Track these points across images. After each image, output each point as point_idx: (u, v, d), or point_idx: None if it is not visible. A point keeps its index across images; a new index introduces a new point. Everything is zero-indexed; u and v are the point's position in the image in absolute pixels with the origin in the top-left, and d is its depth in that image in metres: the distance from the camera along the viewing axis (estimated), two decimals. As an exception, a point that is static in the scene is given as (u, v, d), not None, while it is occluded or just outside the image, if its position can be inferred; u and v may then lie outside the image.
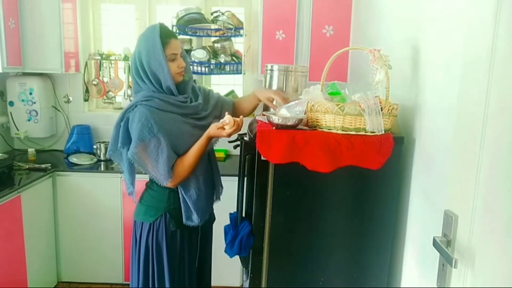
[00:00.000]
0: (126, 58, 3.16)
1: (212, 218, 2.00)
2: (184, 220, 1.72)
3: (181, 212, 1.72)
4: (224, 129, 1.59)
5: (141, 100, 1.62)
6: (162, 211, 1.73)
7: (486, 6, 0.90)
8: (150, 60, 1.61)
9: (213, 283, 2.82)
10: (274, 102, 1.78)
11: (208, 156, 1.85)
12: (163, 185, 1.65)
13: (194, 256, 1.85)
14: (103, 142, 3.01)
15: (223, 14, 2.96)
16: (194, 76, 3.06)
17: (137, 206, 1.81)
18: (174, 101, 1.67)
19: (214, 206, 2.04)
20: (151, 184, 1.78)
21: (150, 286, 1.80)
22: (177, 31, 2.90)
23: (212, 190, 1.90)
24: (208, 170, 1.85)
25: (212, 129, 1.61)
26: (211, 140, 1.67)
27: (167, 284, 1.78)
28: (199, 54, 2.94)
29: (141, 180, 1.83)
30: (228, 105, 1.97)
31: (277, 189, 1.52)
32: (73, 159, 2.90)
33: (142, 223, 1.76)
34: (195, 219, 1.73)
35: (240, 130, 1.63)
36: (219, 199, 1.97)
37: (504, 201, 0.85)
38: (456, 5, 1.20)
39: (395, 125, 1.57)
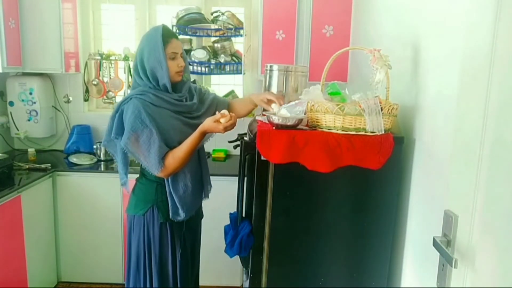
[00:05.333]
0: (126, 58, 3.15)
1: (200, 215, 2.02)
2: (170, 215, 1.76)
3: (168, 206, 1.76)
4: (220, 122, 1.61)
5: (136, 93, 1.68)
6: (151, 204, 1.77)
7: (486, 6, 0.90)
8: (150, 57, 1.68)
9: (213, 283, 2.82)
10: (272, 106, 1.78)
11: (197, 154, 1.87)
12: (155, 174, 1.68)
13: (186, 249, 1.88)
14: (103, 142, 3.01)
15: (223, 14, 2.96)
16: (194, 76, 3.07)
17: (129, 200, 1.85)
18: (168, 98, 1.72)
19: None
20: (140, 177, 1.83)
21: (142, 281, 1.82)
22: (177, 31, 2.90)
23: (201, 188, 1.91)
24: (197, 168, 1.87)
25: (207, 123, 1.63)
26: (205, 135, 1.69)
27: (154, 277, 1.81)
28: (199, 54, 2.94)
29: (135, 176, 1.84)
30: (223, 105, 1.98)
31: (277, 189, 1.52)
32: (73, 159, 2.90)
33: (134, 216, 1.81)
34: (181, 214, 1.76)
35: (235, 126, 1.66)
36: (208, 197, 1.98)
37: (504, 201, 0.85)
38: (456, 5, 1.20)
39: (395, 125, 1.57)
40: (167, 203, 1.75)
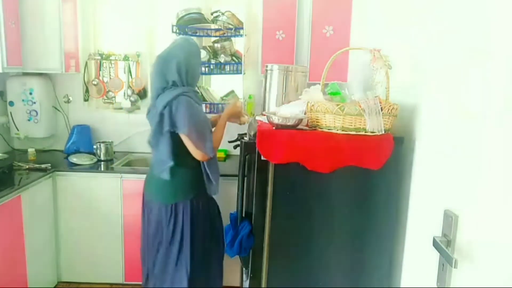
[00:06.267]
0: (126, 58, 3.15)
1: None
2: (209, 192, 2.09)
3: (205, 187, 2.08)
4: (237, 106, 2.18)
5: (182, 92, 1.96)
6: (198, 188, 2.07)
7: (486, 7, 0.90)
8: (198, 63, 2.14)
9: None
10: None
11: None
12: (209, 156, 1.98)
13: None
14: (103, 142, 3.00)
15: (223, 14, 2.96)
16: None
17: (166, 190, 2.06)
18: (198, 97, 2.11)
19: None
20: (178, 167, 2.02)
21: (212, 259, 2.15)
22: (177, 31, 2.90)
23: None
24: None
25: (230, 109, 2.15)
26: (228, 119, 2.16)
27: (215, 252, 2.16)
28: (199, 54, 2.93)
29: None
30: None
31: (277, 189, 1.52)
32: (73, 159, 2.90)
33: (181, 203, 2.04)
34: (215, 190, 2.10)
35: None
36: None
37: (504, 201, 0.85)
38: (456, 5, 1.20)
39: (395, 125, 1.57)
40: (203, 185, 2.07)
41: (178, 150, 1.98)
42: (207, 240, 2.12)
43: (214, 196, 2.17)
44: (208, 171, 2.04)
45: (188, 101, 1.95)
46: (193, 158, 1.98)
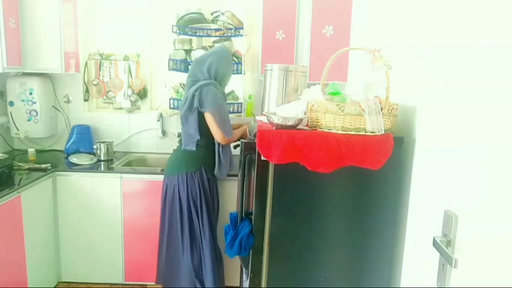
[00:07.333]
0: (126, 58, 3.15)
1: None
2: (216, 172, 2.42)
3: (211, 167, 2.42)
4: None
5: (211, 83, 2.33)
6: (201, 163, 2.40)
7: (486, 6, 0.90)
8: (229, 67, 2.49)
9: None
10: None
11: None
12: (227, 137, 2.33)
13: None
14: (103, 142, 3.00)
15: (223, 14, 2.95)
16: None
17: (174, 164, 2.45)
18: (224, 94, 2.47)
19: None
20: (198, 145, 2.42)
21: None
22: (177, 31, 2.90)
23: None
24: None
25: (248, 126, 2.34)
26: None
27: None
28: (199, 54, 2.93)
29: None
30: None
31: (277, 189, 1.52)
32: (73, 159, 2.90)
33: (186, 174, 2.37)
34: (224, 173, 2.43)
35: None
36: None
37: (504, 201, 0.85)
38: (455, 5, 1.20)
39: (395, 125, 1.57)
40: (213, 165, 2.41)
41: (201, 130, 2.34)
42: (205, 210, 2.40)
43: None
44: (221, 154, 2.39)
45: (216, 90, 2.32)
46: (210, 143, 2.36)
